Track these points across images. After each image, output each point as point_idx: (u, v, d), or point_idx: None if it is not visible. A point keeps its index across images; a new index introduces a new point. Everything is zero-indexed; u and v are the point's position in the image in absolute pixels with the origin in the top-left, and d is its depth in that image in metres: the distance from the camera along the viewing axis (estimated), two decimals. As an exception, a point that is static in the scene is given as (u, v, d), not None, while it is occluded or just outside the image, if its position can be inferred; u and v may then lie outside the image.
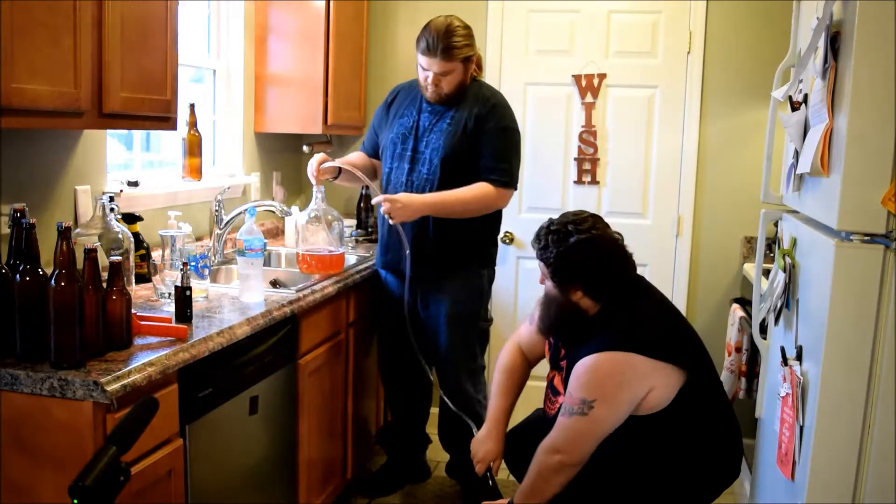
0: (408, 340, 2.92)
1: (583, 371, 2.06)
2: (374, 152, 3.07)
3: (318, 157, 2.82)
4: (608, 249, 2.15)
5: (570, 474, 2.10)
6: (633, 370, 2.03)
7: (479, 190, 2.77)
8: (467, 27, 2.79)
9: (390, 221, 2.71)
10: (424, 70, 2.78)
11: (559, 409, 2.15)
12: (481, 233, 2.90)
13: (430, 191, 2.80)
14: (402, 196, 2.72)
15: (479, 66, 2.94)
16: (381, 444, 3.32)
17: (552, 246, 2.13)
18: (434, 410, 3.22)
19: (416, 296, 2.94)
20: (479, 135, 2.78)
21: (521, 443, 2.38)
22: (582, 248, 2.11)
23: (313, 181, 2.80)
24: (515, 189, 2.87)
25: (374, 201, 2.73)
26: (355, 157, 3.08)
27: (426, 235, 2.83)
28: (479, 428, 2.57)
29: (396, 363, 3.09)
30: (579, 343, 2.14)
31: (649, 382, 2.03)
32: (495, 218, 2.94)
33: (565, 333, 2.24)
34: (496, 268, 3.04)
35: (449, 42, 2.72)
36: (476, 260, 2.91)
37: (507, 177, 2.79)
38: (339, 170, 2.88)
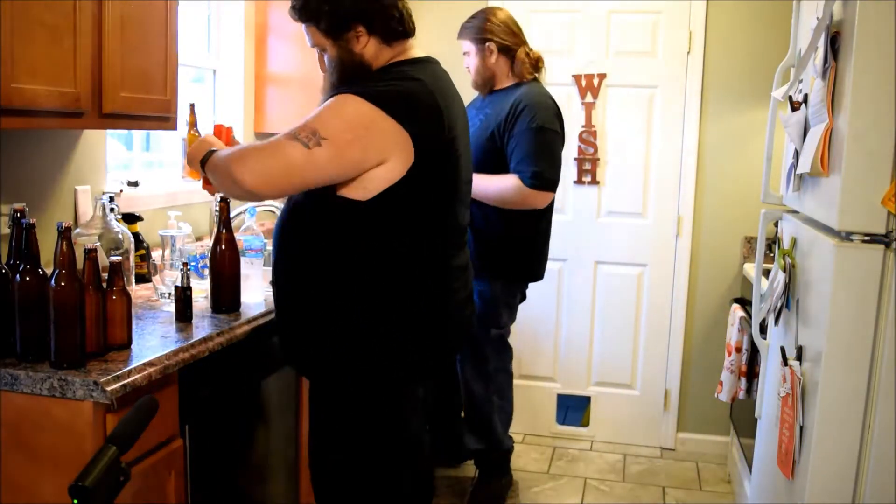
0: None
1: (327, 106, 1.78)
2: None
3: None
4: None
5: (235, 193, 1.82)
6: (380, 132, 1.74)
7: (507, 181, 2.77)
8: (496, 16, 2.86)
9: None
10: None
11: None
12: (519, 242, 2.90)
13: None
14: None
15: (537, 68, 2.92)
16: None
17: None
18: None
19: None
20: (509, 138, 2.78)
21: None
22: None
23: None
24: (550, 190, 2.80)
25: None
26: None
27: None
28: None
29: None
30: None
31: (385, 154, 1.75)
32: (531, 232, 2.92)
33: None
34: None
35: (465, 22, 2.89)
36: (501, 273, 2.92)
37: (535, 178, 2.74)
38: None
